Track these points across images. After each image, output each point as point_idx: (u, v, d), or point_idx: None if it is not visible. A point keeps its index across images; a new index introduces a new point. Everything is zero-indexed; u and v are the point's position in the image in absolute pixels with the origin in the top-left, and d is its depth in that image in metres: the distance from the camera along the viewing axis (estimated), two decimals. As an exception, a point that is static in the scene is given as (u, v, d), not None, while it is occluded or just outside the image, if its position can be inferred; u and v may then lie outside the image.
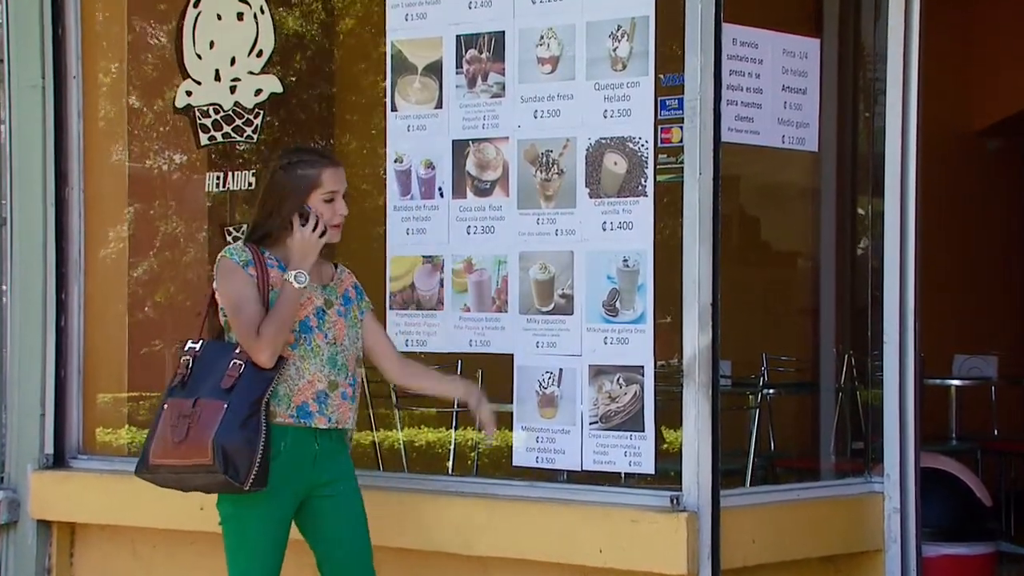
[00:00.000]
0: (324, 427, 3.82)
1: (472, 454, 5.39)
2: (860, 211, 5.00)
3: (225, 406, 3.69)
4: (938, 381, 6.61)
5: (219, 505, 3.83)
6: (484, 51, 4.45)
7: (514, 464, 4.37)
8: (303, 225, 3.79)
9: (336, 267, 3.99)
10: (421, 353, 4.50)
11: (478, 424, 3.93)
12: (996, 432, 6.85)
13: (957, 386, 6.73)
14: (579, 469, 4.28)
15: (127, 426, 5.75)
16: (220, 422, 3.67)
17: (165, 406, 3.79)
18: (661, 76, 4.18)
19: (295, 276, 3.75)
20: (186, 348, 3.84)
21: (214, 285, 3.85)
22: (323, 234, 3.81)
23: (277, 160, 3.90)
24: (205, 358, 3.80)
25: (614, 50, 4.23)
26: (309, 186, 3.82)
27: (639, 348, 4.17)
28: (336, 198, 3.87)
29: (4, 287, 5.34)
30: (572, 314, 4.28)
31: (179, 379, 3.80)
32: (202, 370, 3.79)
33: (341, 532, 3.86)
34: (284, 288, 3.76)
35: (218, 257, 3.84)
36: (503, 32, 4.41)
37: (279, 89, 5.14)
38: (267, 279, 3.79)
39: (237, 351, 3.75)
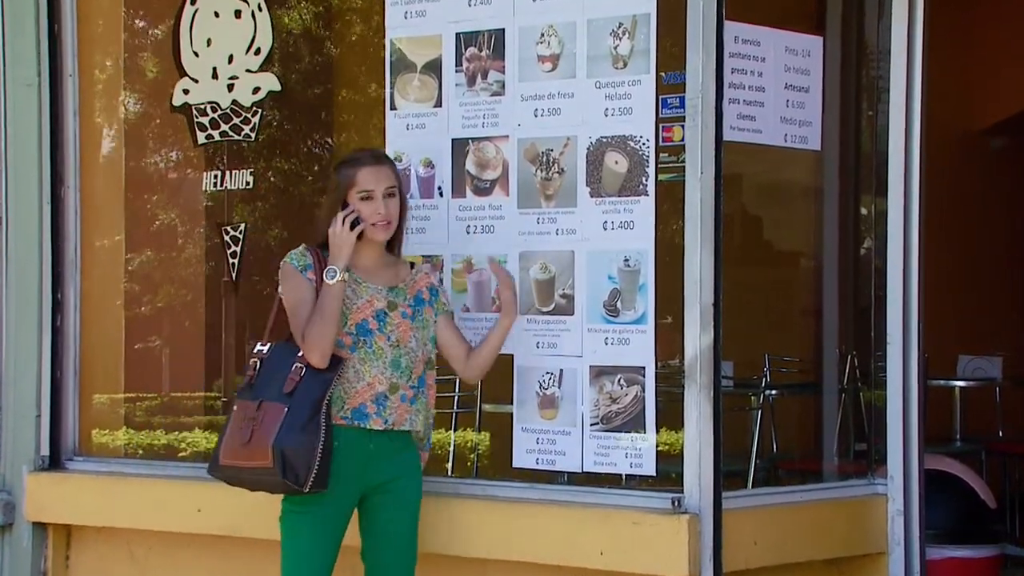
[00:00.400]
0: (380, 428, 3.91)
1: (471, 455, 5.39)
2: (863, 210, 5.00)
3: (286, 409, 3.82)
4: (942, 382, 6.61)
5: (282, 503, 3.95)
6: (484, 49, 4.44)
7: (514, 465, 4.36)
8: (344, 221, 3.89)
9: (413, 267, 4.08)
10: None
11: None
12: (1001, 433, 6.85)
13: (961, 387, 6.72)
14: (580, 471, 4.28)
15: (124, 427, 5.75)
16: (281, 426, 3.80)
17: (235, 407, 3.92)
18: (662, 74, 4.17)
19: (326, 272, 3.84)
20: (255, 350, 3.96)
21: (279, 290, 3.98)
22: (355, 228, 3.89)
23: (334, 165, 4.06)
24: (272, 360, 3.91)
25: (615, 48, 4.23)
26: (347, 184, 3.95)
27: (640, 349, 4.17)
28: (374, 196, 3.94)
29: (0, 287, 5.33)
30: (573, 314, 4.28)
31: (247, 380, 3.93)
32: (268, 372, 3.90)
33: (388, 528, 3.96)
34: (323, 287, 3.84)
35: (281, 262, 3.98)
36: (503, 30, 4.41)
37: (277, 87, 5.14)
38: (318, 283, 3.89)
39: (300, 354, 3.87)
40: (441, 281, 4.20)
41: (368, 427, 3.91)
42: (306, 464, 3.78)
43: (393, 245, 4.06)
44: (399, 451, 3.98)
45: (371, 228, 3.94)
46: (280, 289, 3.98)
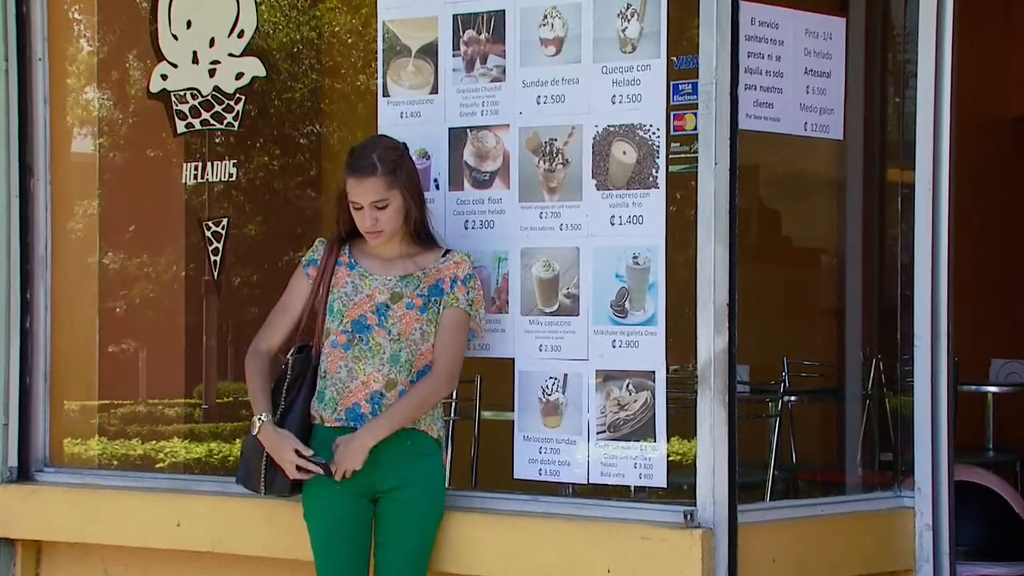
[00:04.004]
0: (260, 416, 4.07)
1: (470, 466, 5.40)
2: (889, 204, 5.01)
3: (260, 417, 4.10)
4: (973, 387, 6.62)
5: None
6: (483, 32, 4.46)
7: (515, 477, 4.38)
8: None
9: (445, 256, 4.14)
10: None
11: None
12: (1037, 443, 6.86)
13: (994, 393, 6.73)
14: (585, 482, 4.30)
15: (98, 436, 5.76)
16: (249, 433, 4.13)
17: None
18: (674, 58, 4.19)
19: (251, 422, 4.10)
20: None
21: None
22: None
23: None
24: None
25: (623, 30, 4.24)
26: (342, 191, 4.10)
27: (650, 352, 4.19)
28: (362, 208, 4.04)
29: (-35, 286, 5.34)
30: (578, 315, 4.29)
31: None
32: None
33: (386, 541, 4.05)
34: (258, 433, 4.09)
35: None
36: (503, 11, 4.42)
37: (262, 73, 5.15)
38: (329, 278, 4.08)
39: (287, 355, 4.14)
40: (472, 277, 4.15)
41: None
42: (255, 471, 4.07)
43: (419, 234, 4.15)
44: (408, 456, 4.02)
45: (367, 235, 4.09)
46: None
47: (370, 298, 4.04)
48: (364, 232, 4.06)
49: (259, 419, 4.04)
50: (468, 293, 4.12)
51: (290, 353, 4.12)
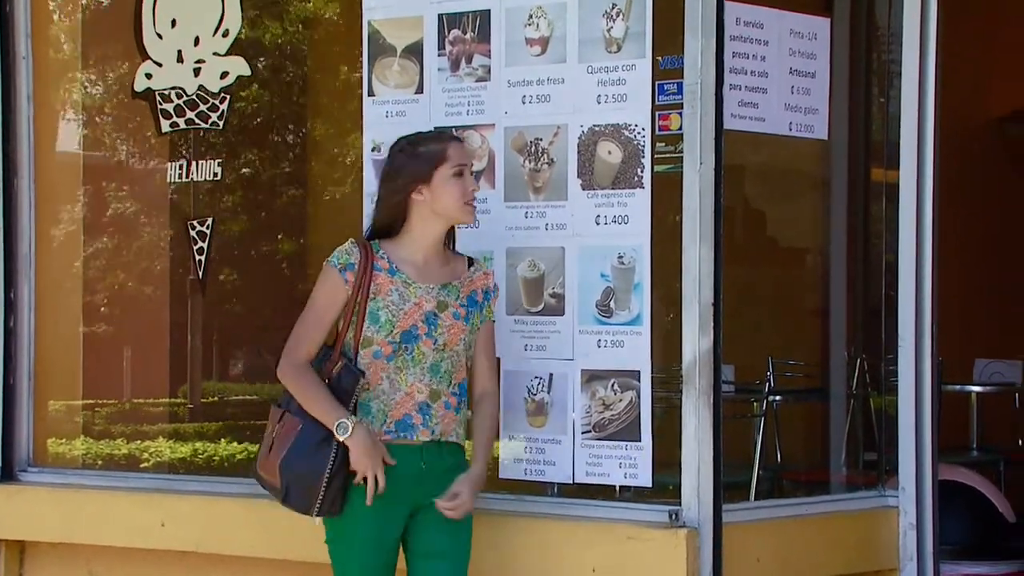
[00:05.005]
0: (427, 439, 3.83)
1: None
2: (873, 204, 5.03)
3: (300, 427, 3.80)
4: (957, 387, 6.63)
5: (325, 526, 3.89)
6: (468, 31, 4.46)
7: (500, 476, 4.38)
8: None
9: (472, 264, 4.00)
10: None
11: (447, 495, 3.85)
12: (1020, 442, 6.87)
13: (978, 392, 6.74)
14: (570, 482, 4.30)
15: (82, 436, 5.75)
16: (291, 445, 3.80)
17: (271, 410, 3.94)
18: (659, 58, 4.19)
19: (338, 427, 3.75)
20: None
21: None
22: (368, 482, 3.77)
23: (395, 148, 3.95)
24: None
25: (608, 30, 4.25)
26: (436, 159, 3.84)
27: (635, 351, 4.19)
28: (465, 172, 3.89)
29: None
30: (563, 315, 4.30)
31: None
32: None
33: (442, 547, 3.86)
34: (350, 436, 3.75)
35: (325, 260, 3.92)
36: (488, 11, 4.42)
37: (247, 72, 5.15)
38: (368, 283, 3.82)
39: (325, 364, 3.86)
40: (497, 288, 4.08)
41: (416, 439, 3.81)
42: (310, 491, 3.76)
43: (449, 238, 3.98)
44: (451, 470, 3.87)
45: (463, 209, 3.87)
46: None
47: (418, 307, 3.84)
48: (466, 202, 3.86)
49: (347, 422, 3.72)
50: (494, 305, 4.06)
51: (336, 367, 3.83)
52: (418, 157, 3.87)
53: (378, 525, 3.80)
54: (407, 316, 3.83)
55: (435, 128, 4.13)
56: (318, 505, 3.77)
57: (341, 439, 3.74)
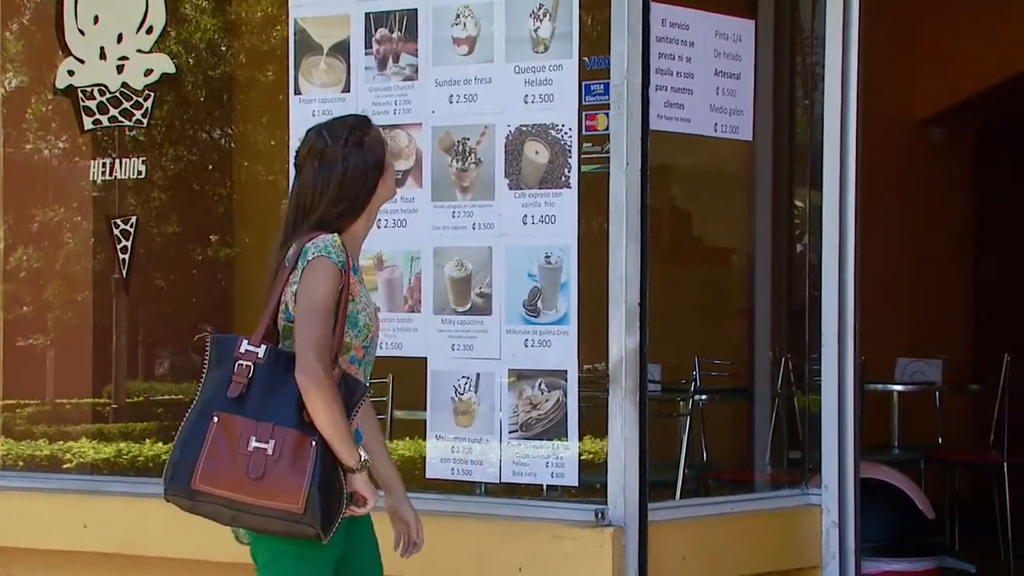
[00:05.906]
0: (364, 455, 3.39)
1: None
2: (798, 205, 5.07)
3: (313, 443, 3.26)
4: (880, 386, 6.71)
5: (257, 547, 3.37)
6: (395, 30, 4.45)
7: (427, 476, 4.38)
8: None
9: None
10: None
11: (395, 537, 3.55)
12: (941, 440, 6.96)
13: (900, 392, 6.83)
14: (497, 481, 4.30)
15: (2, 437, 5.68)
16: (315, 466, 3.25)
17: (215, 419, 3.27)
18: (586, 59, 4.21)
19: (360, 465, 3.32)
20: (243, 350, 3.31)
21: (292, 280, 3.35)
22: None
23: (342, 140, 3.44)
24: (273, 370, 3.30)
25: (535, 30, 4.26)
26: (385, 148, 3.46)
27: (562, 351, 4.20)
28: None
29: None
30: (490, 314, 4.30)
31: (237, 389, 3.28)
32: (269, 384, 3.29)
33: (368, 558, 3.52)
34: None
35: (310, 250, 3.33)
36: (416, 10, 4.42)
37: (171, 69, 5.11)
38: (349, 286, 3.37)
39: None
40: None
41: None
42: (334, 510, 3.26)
43: None
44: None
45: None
46: (302, 282, 3.32)
47: (378, 309, 3.52)
48: (391, 199, 3.50)
49: (364, 453, 3.33)
50: None
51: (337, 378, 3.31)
52: (374, 148, 3.46)
53: (330, 547, 3.33)
54: (375, 319, 3.47)
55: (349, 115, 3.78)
56: (336, 526, 3.29)
57: (354, 467, 3.32)
